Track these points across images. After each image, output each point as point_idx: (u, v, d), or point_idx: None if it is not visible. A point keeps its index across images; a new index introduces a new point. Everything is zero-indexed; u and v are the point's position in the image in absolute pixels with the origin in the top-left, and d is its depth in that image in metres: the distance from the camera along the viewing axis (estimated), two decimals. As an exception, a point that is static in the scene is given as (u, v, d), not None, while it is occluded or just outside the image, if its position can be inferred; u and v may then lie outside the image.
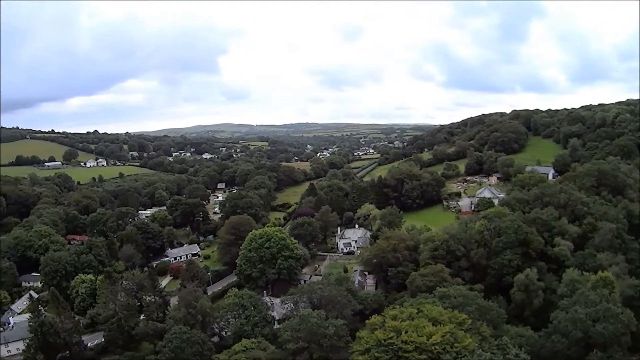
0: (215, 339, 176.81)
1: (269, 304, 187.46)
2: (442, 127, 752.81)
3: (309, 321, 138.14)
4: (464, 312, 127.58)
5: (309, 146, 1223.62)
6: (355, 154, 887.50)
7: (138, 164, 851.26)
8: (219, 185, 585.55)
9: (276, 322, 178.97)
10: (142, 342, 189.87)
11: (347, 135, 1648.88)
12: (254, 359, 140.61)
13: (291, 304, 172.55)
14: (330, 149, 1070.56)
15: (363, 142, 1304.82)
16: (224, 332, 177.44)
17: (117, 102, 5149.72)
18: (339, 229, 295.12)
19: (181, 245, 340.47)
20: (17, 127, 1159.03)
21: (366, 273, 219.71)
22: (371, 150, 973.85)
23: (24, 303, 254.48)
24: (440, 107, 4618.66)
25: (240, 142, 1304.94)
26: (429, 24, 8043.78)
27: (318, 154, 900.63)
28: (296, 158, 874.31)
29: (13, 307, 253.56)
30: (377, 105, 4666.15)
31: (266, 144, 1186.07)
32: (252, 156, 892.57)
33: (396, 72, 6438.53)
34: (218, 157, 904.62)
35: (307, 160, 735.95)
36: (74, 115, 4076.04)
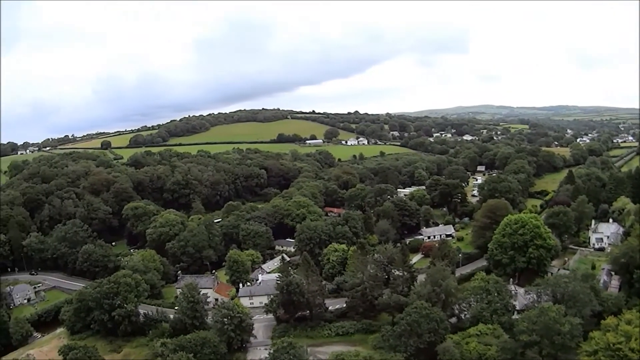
0: (454, 319, 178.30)
1: (512, 292, 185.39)
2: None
3: (547, 315, 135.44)
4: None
5: (569, 130, 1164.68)
6: (615, 141, 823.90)
7: (399, 143, 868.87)
8: (479, 168, 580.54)
9: (516, 312, 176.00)
10: (381, 313, 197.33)
11: (606, 120, 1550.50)
12: (485, 344, 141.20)
13: (534, 295, 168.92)
14: (589, 135, 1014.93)
15: (622, 129, 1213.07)
16: (463, 315, 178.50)
17: (374, 84, 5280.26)
18: (592, 221, 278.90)
19: (436, 225, 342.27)
20: (278, 109, 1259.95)
21: (612, 272, 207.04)
22: (630, 138, 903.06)
23: (275, 264, 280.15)
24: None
25: (500, 124, 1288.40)
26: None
27: (577, 139, 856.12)
28: (556, 143, 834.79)
29: (264, 266, 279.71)
30: (631, 88, 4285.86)
31: (526, 127, 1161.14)
32: (512, 139, 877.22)
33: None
34: (478, 139, 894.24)
35: (567, 146, 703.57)
36: (332, 96, 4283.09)
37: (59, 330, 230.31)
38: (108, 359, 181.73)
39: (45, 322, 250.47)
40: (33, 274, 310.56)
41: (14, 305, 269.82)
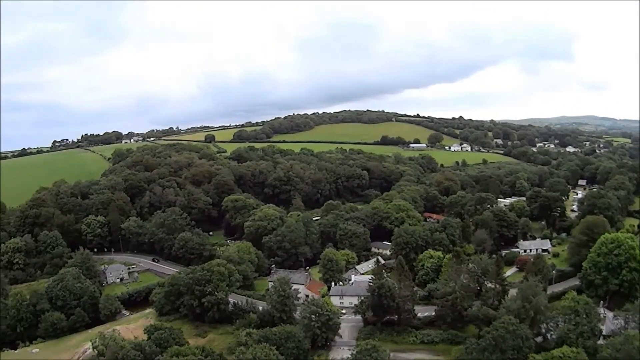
0: (539, 338, 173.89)
1: (601, 315, 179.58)
2: None
3: (631, 343, 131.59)
4: None
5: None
6: None
7: (502, 151, 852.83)
8: (580, 182, 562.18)
9: (602, 337, 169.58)
10: (469, 324, 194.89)
11: None
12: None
13: (622, 321, 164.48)
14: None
15: None
16: (549, 334, 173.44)
17: (478, 89, 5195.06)
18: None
19: (534, 238, 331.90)
20: (383, 111, 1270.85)
21: None
22: None
23: (369, 266, 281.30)
24: None
25: (603, 136, 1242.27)
26: None
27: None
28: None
29: (358, 267, 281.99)
30: None
31: (629, 140, 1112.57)
32: (614, 153, 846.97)
33: None
34: (581, 152, 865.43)
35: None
36: (437, 101, 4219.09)
37: (148, 310, 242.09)
38: (192, 343, 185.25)
39: (135, 302, 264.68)
40: (155, 261, 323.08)
41: (107, 283, 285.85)
